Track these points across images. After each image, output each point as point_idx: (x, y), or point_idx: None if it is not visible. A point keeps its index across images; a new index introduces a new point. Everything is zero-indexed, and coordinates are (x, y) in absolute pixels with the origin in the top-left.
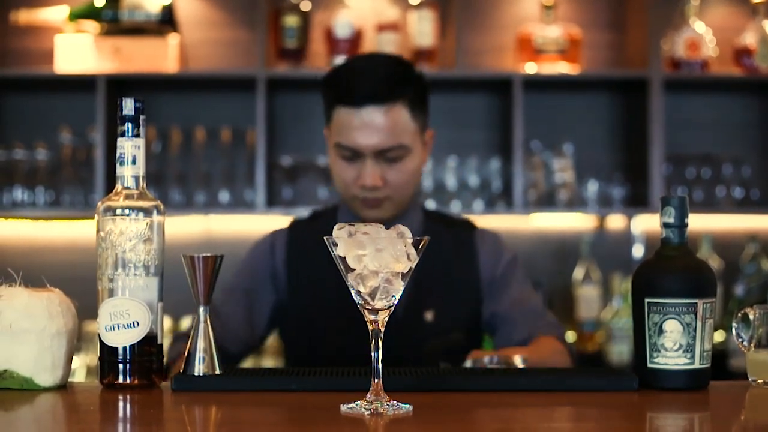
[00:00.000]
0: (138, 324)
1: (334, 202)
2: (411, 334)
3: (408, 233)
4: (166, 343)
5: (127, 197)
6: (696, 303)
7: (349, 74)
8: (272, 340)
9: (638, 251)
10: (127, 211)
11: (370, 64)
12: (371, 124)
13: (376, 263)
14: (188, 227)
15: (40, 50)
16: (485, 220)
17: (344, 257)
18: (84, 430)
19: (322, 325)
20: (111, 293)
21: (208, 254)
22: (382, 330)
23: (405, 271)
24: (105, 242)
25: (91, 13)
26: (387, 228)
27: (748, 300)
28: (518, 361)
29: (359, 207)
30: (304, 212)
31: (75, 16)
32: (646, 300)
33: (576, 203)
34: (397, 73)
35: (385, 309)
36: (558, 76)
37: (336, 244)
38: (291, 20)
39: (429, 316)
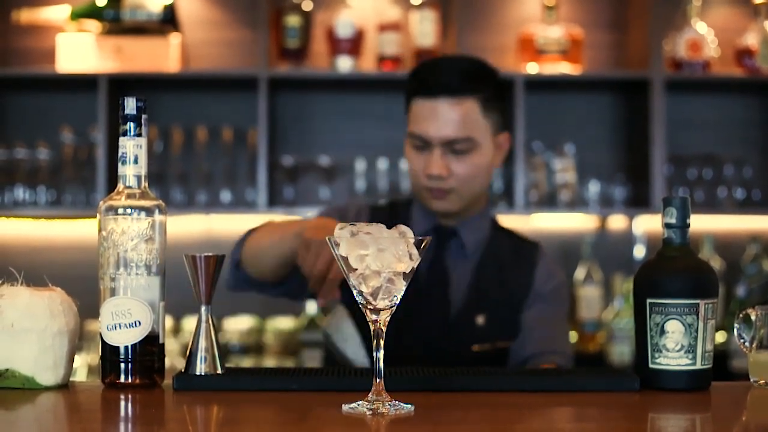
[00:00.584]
0: (140, 323)
1: (407, 195)
2: (461, 336)
3: (410, 233)
4: (169, 342)
5: (129, 197)
6: (698, 304)
7: (427, 68)
8: (272, 339)
9: (639, 252)
10: (128, 211)
11: (449, 60)
12: (441, 114)
13: (379, 263)
14: (190, 227)
15: (42, 49)
16: None
17: (346, 257)
18: (86, 429)
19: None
20: (113, 293)
21: (210, 254)
22: (384, 330)
23: (407, 271)
24: (107, 241)
25: (93, 13)
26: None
27: (750, 300)
28: None
29: (427, 198)
30: (305, 212)
31: (77, 16)
32: (648, 300)
33: (577, 204)
34: (472, 71)
35: (386, 309)
36: (559, 76)
37: (338, 244)
38: (292, 20)
39: (480, 320)
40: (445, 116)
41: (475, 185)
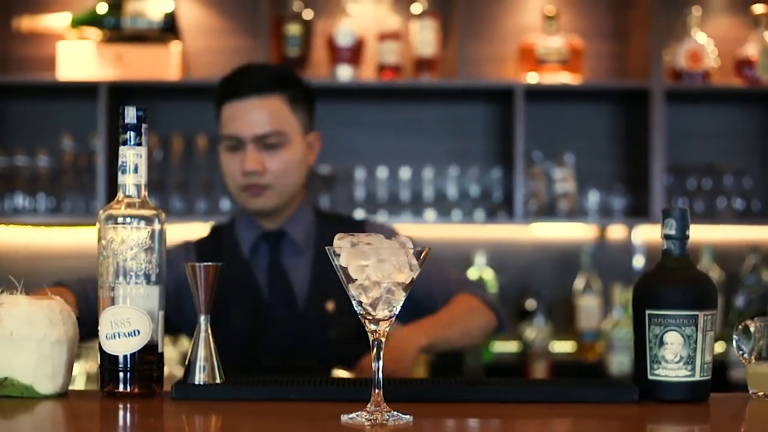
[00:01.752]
0: (139, 332)
1: (232, 216)
2: (312, 323)
3: (409, 243)
4: (167, 350)
5: (129, 206)
6: (697, 315)
7: (234, 74)
8: None
9: (639, 262)
10: (128, 220)
11: (255, 65)
12: (251, 112)
13: (379, 273)
14: (189, 235)
15: (43, 57)
16: (486, 230)
17: (346, 267)
18: None
19: (234, 342)
20: (112, 302)
21: (210, 263)
22: (384, 340)
23: (407, 282)
24: (106, 251)
25: (94, 20)
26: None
27: (749, 311)
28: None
29: (245, 198)
30: None
31: (77, 23)
32: (647, 312)
33: (577, 213)
34: (275, 71)
35: (386, 319)
36: (559, 86)
37: (337, 254)
38: (293, 28)
39: (330, 306)
40: (254, 113)
41: (289, 181)
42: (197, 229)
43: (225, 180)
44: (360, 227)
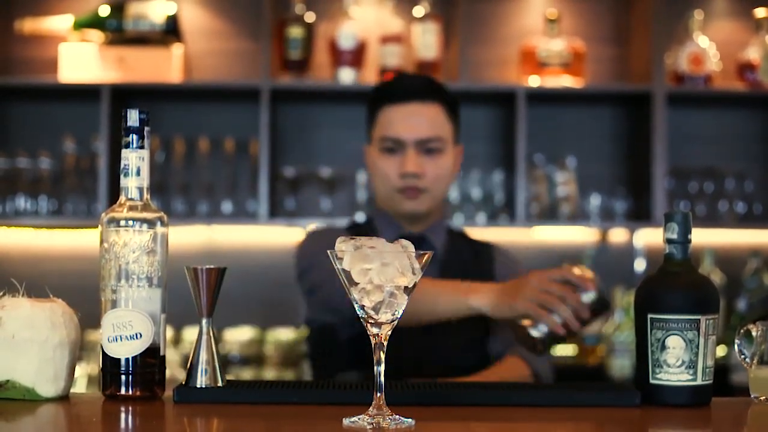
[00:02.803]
0: (141, 335)
1: (368, 215)
2: (438, 341)
3: (411, 247)
4: (169, 352)
5: (131, 209)
6: (699, 319)
7: (393, 81)
8: (273, 350)
9: (640, 265)
10: (130, 223)
11: (409, 74)
12: (414, 116)
13: (382, 277)
14: (191, 237)
15: (45, 59)
16: (487, 233)
17: (349, 271)
18: None
19: (349, 343)
20: (114, 304)
21: (212, 266)
22: (386, 343)
23: (409, 286)
24: (108, 253)
25: (96, 23)
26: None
27: (750, 315)
28: None
29: (399, 200)
30: (306, 223)
31: (79, 26)
32: (649, 316)
33: (578, 217)
34: (431, 80)
35: (388, 323)
36: (561, 89)
37: (340, 258)
38: (295, 31)
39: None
40: (417, 117)
41: (442, 187)
42: (198, 232)
43: (375, 181)
44: (489, 248)
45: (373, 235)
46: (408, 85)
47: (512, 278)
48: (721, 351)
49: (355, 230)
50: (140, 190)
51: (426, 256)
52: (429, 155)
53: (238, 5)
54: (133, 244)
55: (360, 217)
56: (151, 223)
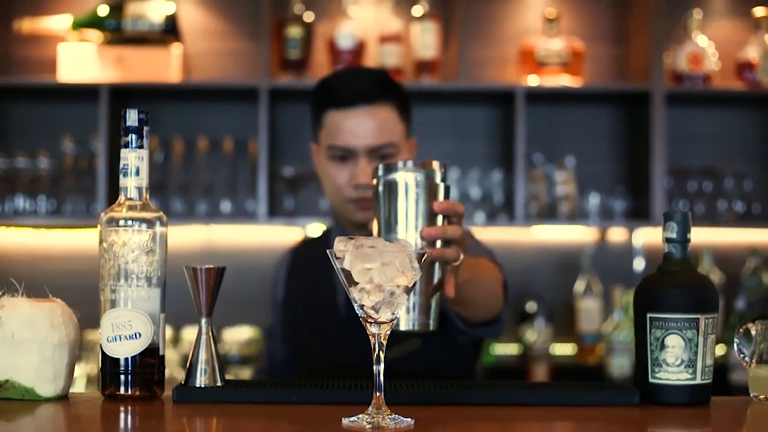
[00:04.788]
0: (140, 335)
1: (327, 226)
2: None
3: (410, 246)
4: (168, 352)
5: (130, 208)
6: (698, 318)
7: (338, 80)
8: None
9: (639, 264)
10: (130, 223)
11: (355, 71)
12: (363, 123)
13: (383, 277)
14: (190, 237)
15: (44, 59)
16: (487, 233)
17: (349, 271)
18: None
19: (311, 346)
20: (113, 304)
21: (211, 266)
22: (385, 343)
23: (410, 285)
24: (108, 253)
25: (95, 23)
26: None
27: (749, 314)
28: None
29: (352, 210)
30: (305, 223)
31: (78, 26)
32: (648, 315)
33: (577, 216)
34: (381, 78)
35: (387, 322)
36: (560, 88)
37: (339, 258)
38: (294, 31)
39: None
40: (366, 124)
41: None
42: (197, 232)
43: (326, 189)
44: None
45: (330, 246)
46: (355, 86)
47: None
48: (720, 350)
49: (307, 246)
50: (139, 189)
51: (425, 254)
52: (381, 162)
53: (236, 5)
54: (132, 244)
55: (315, 230)
56: (150, 223)
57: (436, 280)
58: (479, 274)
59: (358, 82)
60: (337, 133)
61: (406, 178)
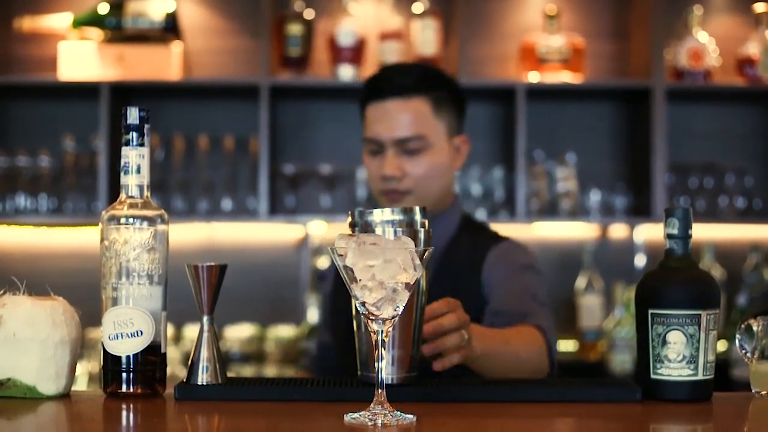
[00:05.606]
0: (141, 333)
1: None
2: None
3: (411, 243)
4: (170, 350)
5: (131, 206)
6: (700, 314)
7: (379, 74)
8: (273, 347)
9: (640, 260)
10: (131, 220)
11: (401, 65)
12: (391, 114)
13: (385, 274)
14: (191, 235)
15: (44, 57)
16: None
17: (351, 267)
18: None
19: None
20: (115, 302)
21: (212, 263)
22: (387, 340)
23: (411, 282)
24: (109, 251)
25: (95, 21)
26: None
27: (750, 310)
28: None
29: (384, 203)
30: (306, 220)
31: (79, 24)
32: (650, 311)
33: (579, 212)
34: (422, 72)
35: (389, 319)
36: (561, 85)
37: (341, 255)
38: (294, 28)
39: None
40: (394, 116)
41: (432, 187)
42: (198, 229)
43: (368, 183)
44: (491, 236)
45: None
46: (389, 79)
47: (505, 266)
48: (721, 346)
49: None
50: (140, 187)
51: (426, 252)
52: (410, 155)
53: (237, 2)
54: (133, 242)
55: None
56: (151, 221)
57: (417, 331)
58: (506, 347)
59: (394, 76)
60: (370, 125)
61: (384, 227)
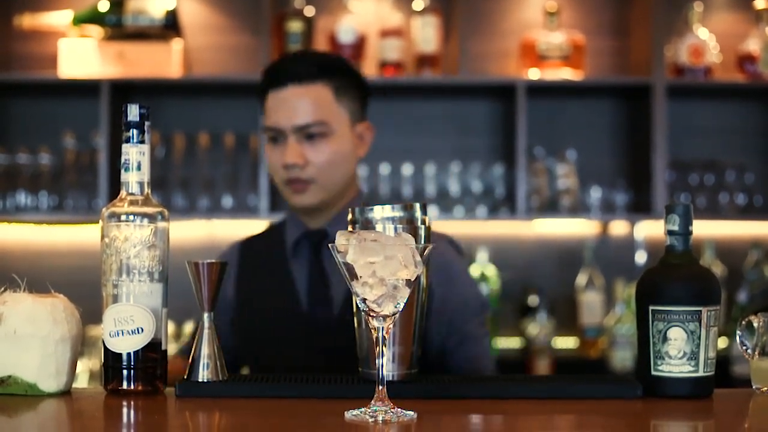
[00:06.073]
0: (142, 330)
1: (285, 216)
2: (347, 335)
3: (411, 240)
4: (170, 347)
5: (132, 203)
6: (700, 311)
7: (277, 62)
8: None
9: (641, 257)
10: (131, 218)
11: (295, 54)
12: (291, 101)
13: (386, 270)
14: (191, 232)
15: (44, 55)
16: (488, 227)
17: (352, 265)
18: None
19: (269, 342)
20: (115, 299)
21: (213, 260)
22: (388, 337)
23: (412, 279)
24: (109, 248)
25: (95, 18)
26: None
27: (751, 306)
28: None
29: (288, 194)
30: None
31: (79, 21)
32: (651, 307)
33: (579, 209)
34: (320, 58)
35: (390, 315)
36: (561, 82)
37: (341, 252)
38: (295, 25)
39: None
40: (294, 103)
41: (335, 175)
42: (199, 227)
43: (271, 175)
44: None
45: (282, 231)
46: (288, 67)
47: (453, 294)
48: (722, 343)
49: (266, 233)
50: (141, 184)
51: (427, 248)
52: (312, 142)
53: (237, 0)
54: (134, 239)
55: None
56: (151, 218)
57: (417, 328)
58: None
59: (294, 63)
60: (270, 113)
61: (384, 224)
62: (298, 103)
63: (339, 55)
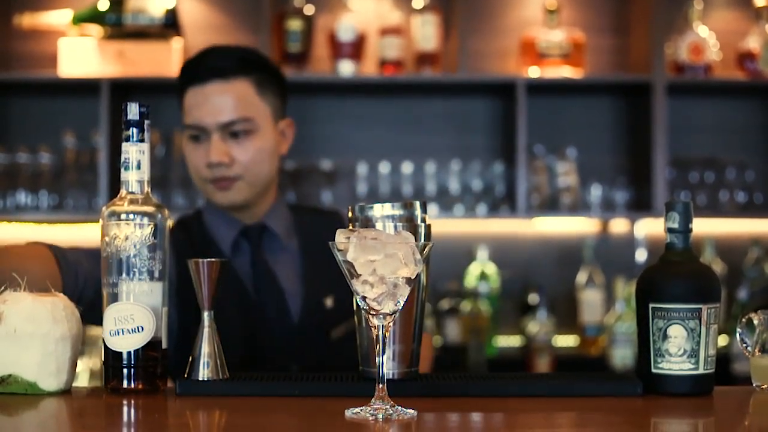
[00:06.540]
0: (142, 329)
1: (199, 208)
2: (314, 320)
3: (411, 238)
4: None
5: (132, 202)
6: (700, 308)
7: (196, 57)
8: None
9: (641, 255)
10: (131, 216)
11: (214, 48)
12: (214, 98)
13: (387, 269)
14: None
15: (44, 54)
16: (488, 225)
17: (352, 263)
18: None
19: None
20: (115, 298)
21: (213, 259)
22: (388, 335)
23: (412, 277)
24: (110, 247)
25: (95, 17)
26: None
27: (751, 304)
28: None
29: (211, 191)
30: None
31: (79, 20)
32: (651, 305)
33: (579, 207)
34: (241, 53)
35: (390, 313)
36: (561, 80)
37: (341, 249)
38: (294, 24)
39: (329, 302)
40: (218, 99)
41: (261, 172)
42: None
43: (190, 173)
44: (338, 219)
45: (204, 230)
46: (208, 62)
47: None
48: (722, 340)
49: (183, 229)
50: (141, 183)
51: (427, 246)
52: (237, 139)
53: None
54: (134, 238)
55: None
56: (151, 217)
57: (417, 326)
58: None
59: (212, 58)
60: (191, 111)
61: (384, 222)
62: (222, 100)
63: (257, 50)
